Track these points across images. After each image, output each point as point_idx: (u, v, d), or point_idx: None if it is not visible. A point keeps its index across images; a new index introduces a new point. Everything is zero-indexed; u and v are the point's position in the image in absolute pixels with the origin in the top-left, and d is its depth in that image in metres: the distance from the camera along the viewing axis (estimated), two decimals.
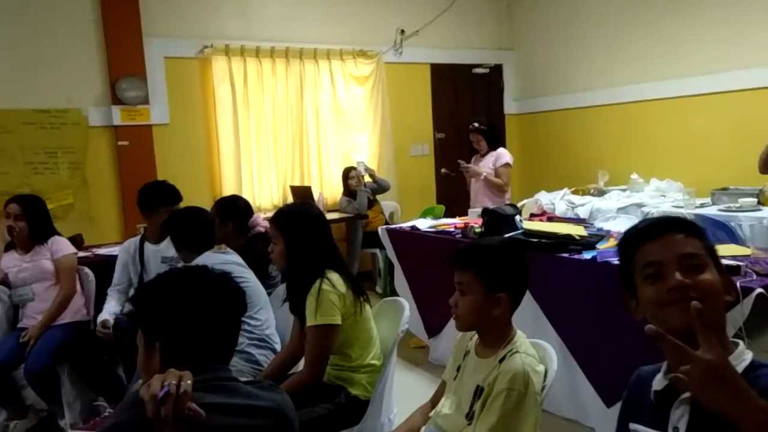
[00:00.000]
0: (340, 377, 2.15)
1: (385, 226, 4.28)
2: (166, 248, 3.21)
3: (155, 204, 3.15)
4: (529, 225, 3.14)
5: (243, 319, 1.36)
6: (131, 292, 3.19)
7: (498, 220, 3.26)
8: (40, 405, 3.06)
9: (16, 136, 4.37)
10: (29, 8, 4.41)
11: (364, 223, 5.38)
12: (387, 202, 5.76)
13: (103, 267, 3.39)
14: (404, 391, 2.42)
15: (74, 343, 2.99)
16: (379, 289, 5.27)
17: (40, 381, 2.87)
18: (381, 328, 2.31)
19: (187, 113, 5.05)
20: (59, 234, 3.27)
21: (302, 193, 5.19)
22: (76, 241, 3.69)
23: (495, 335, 1.63)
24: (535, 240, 2.89)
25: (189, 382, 1.06)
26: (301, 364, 2.35)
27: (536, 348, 1.68)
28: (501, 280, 1.60)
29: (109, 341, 2.96)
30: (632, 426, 1.11)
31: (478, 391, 1.58)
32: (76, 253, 3.27)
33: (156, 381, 1.06)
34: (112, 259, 3.44)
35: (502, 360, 1.57)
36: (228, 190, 5.18)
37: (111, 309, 3.11)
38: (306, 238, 2.11)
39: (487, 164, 4.56)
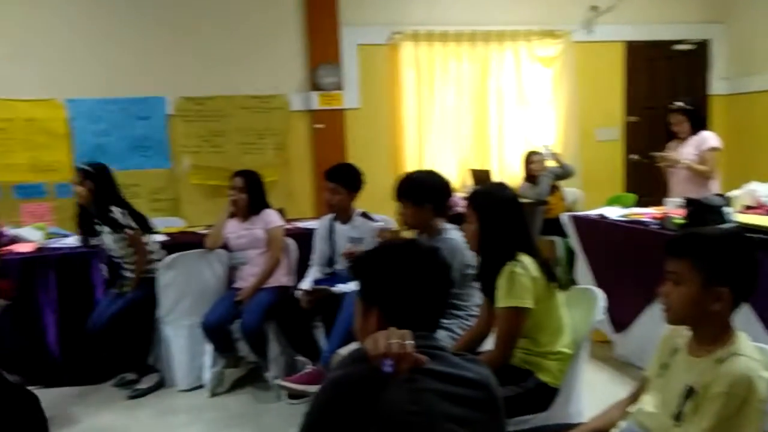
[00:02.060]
0: (528, 361, 2.14)
1: (569, 213, 4.12)
2: (351, 229, 3.43)
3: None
4: (743, 218, 2.81)
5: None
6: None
7: (703, 211, 2.97)
8: (250, 357, 3.48)
9: (233, 120, 4.95)
10: (244, 6, 4.94)
11: (544, 210, 5.22)
12: (569, 189, 5.52)
13: (302, 238, 3.71)
14: (586, 386, 2.32)
15: (279, 305, 3.34)
16: None
17: (252, 336, 3.26)
18: (571, 317, 2.25)
19: (375, 98, 5.30)
20: (271, 207, 3.64)
21: (482, 177, 5.19)
22: (280, 214, 4.09)
23: (711, 333, 1.50)
24: (754, 235, 2.58)
25: (411, 342, 1.14)
26: (486, 345, 2.39)
27: (762, 353, 1.52)
28: (723, 273, 1.47)
29: (305, 307, 3.25)
30: None
31: (689, 392, 1.47)
32: (284, 226, 3.62)
33: (381, 337, 1.15)
34: (309, 231, 3.77)
35: (720, 361, 1.45)
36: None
37: (310, 278, 3.43)
38: (500, 220, 2.12)
39: (689, 150, 4.15)
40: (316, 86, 5.05)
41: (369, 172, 3.51)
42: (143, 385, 3.46)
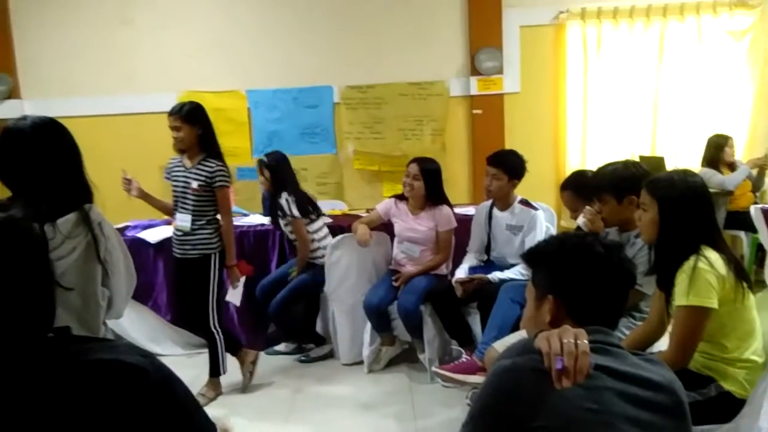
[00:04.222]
0: (710, 367, 1.95)
1: (760, 206, 3.67)
2: (510, 216, 3.36)
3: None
4: None
5: None
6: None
7: None
8: (404, 337, 3.58)
9: (392, 107, 5.07)
10: None
11: (727, 201, 4.70)
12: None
13: (458, 224, 3.67)
14: None
15: (435, 289, 3.38)
16: None
17: (408, 317, 3.35)
18: (762, 322, 2.00)
19: (537, 82, 5.11)
20: (449, 203, 3.56)
21: (654, 164, 4.78)
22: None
23: None
24: None
25: (586, 341, 1.09)
26: (656, 346, 2.22)
27: None
28: None
29: (461, 296, 3.26)
30: None
31: None
32: (454, 227, 3.55)
33: (554, 338, 1.12)
34: (465, 218, 3.76)
35: None
36: (572, 160, 5.12)
37: (466, 265, 3.43)
38: (684, 209, 1.94)
39: None
40: (475, 71, 4.99)
41: (528, 159, 3.41)
42: (315, 353, 3.77)
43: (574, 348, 1.09)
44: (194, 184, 3.08)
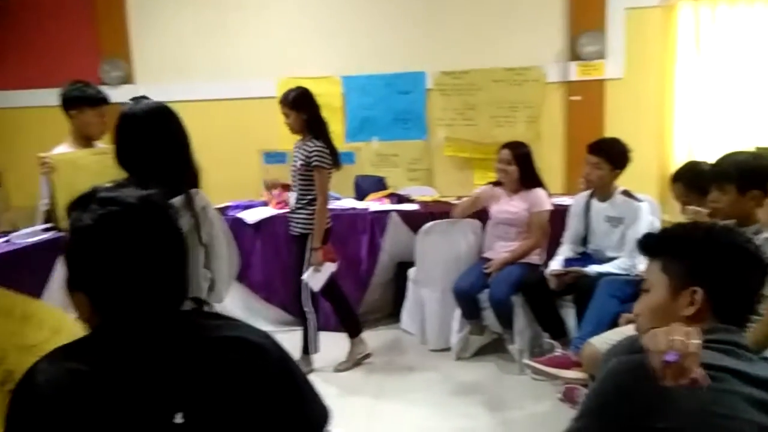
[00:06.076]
0: None
1: None
2: (611, 208, 3.22)
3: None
4: None
5: None
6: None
7: None
8: (494, 327, 3.54)
9: (486, 93, 4.98)
10: None
11: None
12: None
13: (552, 214, 3.58)
14: None
15: (528, 279, 3.31)
16: None
17: (499, 307, 3.31)
18: None
19: (642, 67, 4.83)
20: (544, 186, 3.54)
21: None
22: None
23: None
24: None
25: (696, 341, 1.02)
26: None
27: None
28: None
29: (555, 289, 3.17)
30: None
31: None
32: (549, 210, 3.50)
33: (662, 336, 1.05)
34: (559, 208, 3.65)
35: None
36: (679, 151, 4.82)
37: (561, 257, 3.33)
38: None
39: None
40: (575, 56, 4.79)
41: (630, 148, 3.25)
42: None
43: (683, 347, 1.02)
44: (298, 164, 3.27)
